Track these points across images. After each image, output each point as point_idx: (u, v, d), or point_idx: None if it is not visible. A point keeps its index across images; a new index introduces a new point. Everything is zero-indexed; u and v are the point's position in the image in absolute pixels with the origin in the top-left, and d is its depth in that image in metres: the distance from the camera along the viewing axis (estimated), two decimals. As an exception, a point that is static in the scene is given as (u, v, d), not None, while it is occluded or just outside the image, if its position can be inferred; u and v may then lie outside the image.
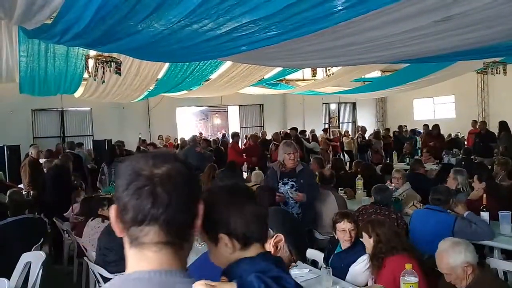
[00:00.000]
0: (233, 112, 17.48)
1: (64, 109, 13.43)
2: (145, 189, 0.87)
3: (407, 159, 9.56)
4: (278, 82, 13.55)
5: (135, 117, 14.32)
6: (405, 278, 2.66)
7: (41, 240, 4.40)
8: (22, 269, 3.88)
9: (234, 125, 17.06)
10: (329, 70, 9.63)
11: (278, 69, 10.79)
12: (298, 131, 12.16)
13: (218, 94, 13.56)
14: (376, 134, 13.24)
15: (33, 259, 3.91)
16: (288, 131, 11.84)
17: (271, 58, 4.81)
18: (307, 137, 12.67)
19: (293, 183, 4.65)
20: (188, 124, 18.84)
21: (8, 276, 3.63)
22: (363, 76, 13.24)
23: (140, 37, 3.44)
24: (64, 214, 5.96)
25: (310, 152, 11.38)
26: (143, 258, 0.91)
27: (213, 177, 7.19)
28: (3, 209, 4.93)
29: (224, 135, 15.38)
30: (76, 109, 13.69)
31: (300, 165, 4.72)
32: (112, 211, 0.94)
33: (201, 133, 15.60)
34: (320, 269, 3.34)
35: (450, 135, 13.29)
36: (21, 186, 8.06)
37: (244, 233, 1.05)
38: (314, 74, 9.82)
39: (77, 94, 10.71)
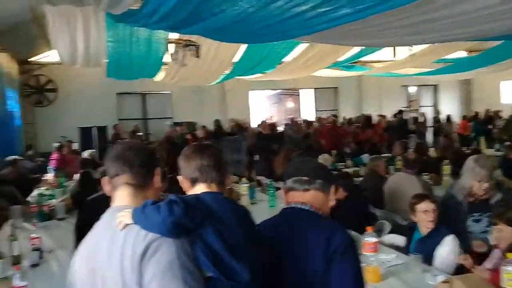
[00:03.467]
0: (306, 95, 17.25)
1: (146, 92, 14.02)
2: (119, 154, 1.50)
3: (497, 145, 8.88)
4: (354, 64, 13.12)
5: (212, 100, 14.60)
6: (507, 268, 2.44)
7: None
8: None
9: (307, 109, 16.86)
10: (411, 50, 9.13)
11: (354, 51, 10.43)
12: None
13: (291, 76, 13.42)
14: (448, 118, 12.79)
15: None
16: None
17: (354, 36, 4.60)
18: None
19: (488, 219, 3.21)
20: (261, 107, 18.92)
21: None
22: (447, 57, 12.43)
23: (224, 16, 3.43)
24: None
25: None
26: (116, 197, 1.49)
27: (289, 159, 7.15)
28: (96, 184, 5.26)
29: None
30: (157, 92, 14.18)
31: (495, 192, 3.32)
32: (104, 181, 1.54)
33: (271, 117, 15.60)
34: (408, 255, 3.19)
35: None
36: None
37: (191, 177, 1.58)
38: (394, 54, 9.34)
39: (158, 78, 11.11)
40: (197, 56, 7.05)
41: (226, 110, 14.85)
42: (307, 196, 1.71)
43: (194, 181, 1.57)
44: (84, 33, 7.28)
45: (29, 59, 12.48)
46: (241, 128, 12.30)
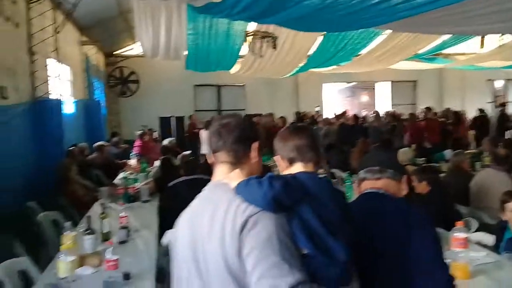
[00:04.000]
0: (382, 89, 16.72)
1: (221, 84, 14.37)
2: (215, 131, 1.51)
3: None
4: (435, 56, 12.48)
5: (284, 93, 14.65)
6: None
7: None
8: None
9: (383, 103, 16.33)
10: (501, 40, 8.50)
11: (436, 42, 9.94)
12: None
13: (367, 69, 13.08)
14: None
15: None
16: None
17: (440, 23, 4.37)
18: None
19: None
20: (334, 101, 18.61)
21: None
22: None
23: (309, 3, 3.40)
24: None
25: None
26: (216, 171, 1.52)
27: (365, 152, 6.98)
28: (176, 170, 5.52)
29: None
30: (231, 85, 14.48)
31: None
32: (209, 155, 1.58)
33: (346, 110, 15.33)
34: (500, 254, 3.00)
35: None
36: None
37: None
38: (482, 45, 8.76)
39: (233, 70, 11.32)
40: (274, 48, 7.09)
41: (298, 102, 14.81)
42: (379, 183, 1.82)
43: (291, 161, 1.59)
44: (166, 27, 7.59)
45: (114, 52, 13.28)
46: (314, 120, 12.25)
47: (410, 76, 15.09)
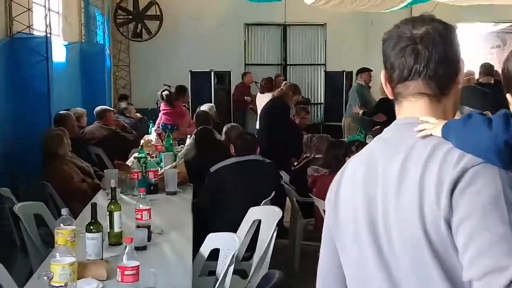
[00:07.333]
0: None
1: (287, 24, 14.32)
2: (408, 48, 1.47)
3: None
4: None
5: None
6: None
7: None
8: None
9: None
10: None
11: None
12: None
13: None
14: None
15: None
16: None
17: None
18: None
19: None
20: (473, 51, 17.83)
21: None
22: None
23: None
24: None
25: None
26: (401, 110, 1.57)
27: None
28: (219, 148, 5.64)
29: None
30: (303, 24, 14.45)
31: None
32: (382, 77, 1.60)
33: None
34: None
35: None
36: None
37: None
38: None
39: (309, 0, 11.21)
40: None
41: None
42: None
43: None
44: None
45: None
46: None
47: None
